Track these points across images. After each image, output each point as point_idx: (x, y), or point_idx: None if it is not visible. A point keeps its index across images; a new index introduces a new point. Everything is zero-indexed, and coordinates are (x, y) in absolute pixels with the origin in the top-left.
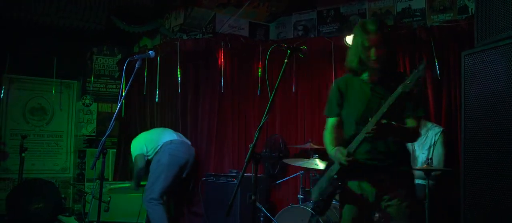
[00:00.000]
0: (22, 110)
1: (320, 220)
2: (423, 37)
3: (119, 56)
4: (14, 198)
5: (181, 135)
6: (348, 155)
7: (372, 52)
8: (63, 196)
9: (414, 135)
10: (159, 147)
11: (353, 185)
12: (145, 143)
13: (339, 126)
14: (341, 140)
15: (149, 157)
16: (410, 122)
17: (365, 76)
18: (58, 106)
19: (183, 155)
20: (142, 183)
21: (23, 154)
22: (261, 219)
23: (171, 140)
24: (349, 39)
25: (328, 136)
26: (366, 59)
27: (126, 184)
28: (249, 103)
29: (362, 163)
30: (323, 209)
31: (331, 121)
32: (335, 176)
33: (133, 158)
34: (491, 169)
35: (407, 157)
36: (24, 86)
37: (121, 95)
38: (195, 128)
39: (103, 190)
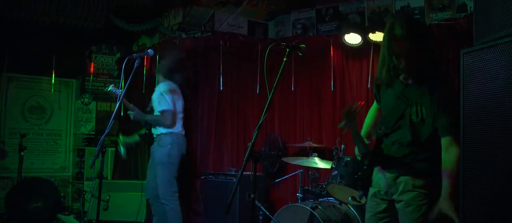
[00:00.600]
0: (21, 108)
1: (319, 218)
2: None
3: (118, 55)
4: (13, 197)
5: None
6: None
7: (402, 59)
8: (62, 194)
9: (458, 163)
10: (170, 131)
11: (374, 179)
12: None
13: (379, 111)
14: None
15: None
16: (446, 149)
17: (401, 76)
18: (57, 105)
19: (183, 149)
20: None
21: (22, 153)
22: (260, 217)
23: (177, 133)
24: (347, 38)
25: (366, 119)
26: (396, 65)
27: (135, 138)
28: (248, 102)
29: (384, 153)
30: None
31: (374, 104)
32: (365, 167)
33: (160, 113)
34: (491, 168)
35: (433, 157)
36: (23, 85)
37: (120, 94)
38: (194, 126)
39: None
